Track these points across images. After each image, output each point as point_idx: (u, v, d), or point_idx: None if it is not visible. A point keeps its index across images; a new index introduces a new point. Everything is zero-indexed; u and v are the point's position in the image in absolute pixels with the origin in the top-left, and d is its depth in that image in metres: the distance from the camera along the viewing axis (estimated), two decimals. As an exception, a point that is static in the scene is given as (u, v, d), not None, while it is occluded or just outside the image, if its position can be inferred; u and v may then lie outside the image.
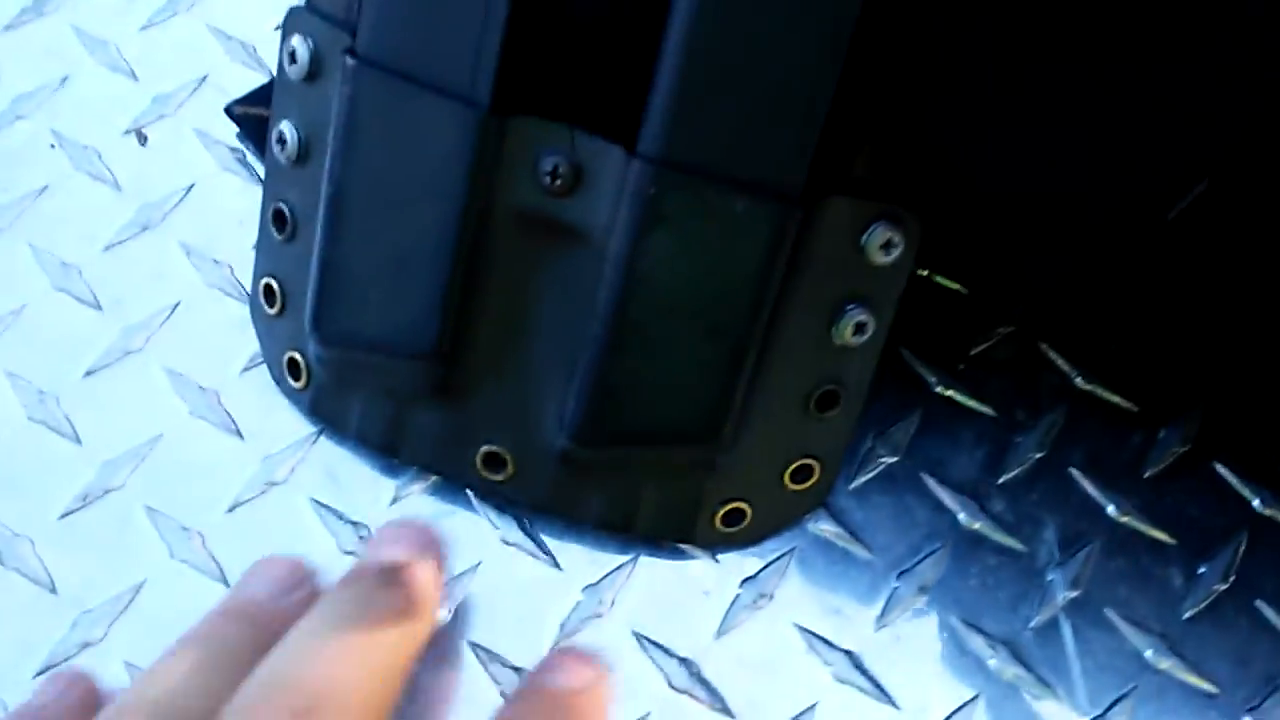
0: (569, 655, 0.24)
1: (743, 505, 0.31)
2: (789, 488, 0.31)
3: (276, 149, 0.30)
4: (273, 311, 0.32)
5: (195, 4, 0.39)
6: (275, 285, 0.31)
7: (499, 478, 0.30)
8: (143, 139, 0.36)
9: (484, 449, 0.30)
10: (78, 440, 0.32)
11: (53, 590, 0.30)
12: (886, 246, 0.27)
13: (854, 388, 0.30)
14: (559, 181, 0.26)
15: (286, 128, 0.29)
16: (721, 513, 0.31)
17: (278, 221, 0.31)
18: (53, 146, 0.36)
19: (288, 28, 0.29)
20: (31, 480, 0.31)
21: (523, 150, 0.26)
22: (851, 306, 0.28)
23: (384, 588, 0.22)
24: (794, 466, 0.30)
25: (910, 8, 0.26)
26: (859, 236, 0.27)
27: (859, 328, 0.28)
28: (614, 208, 0.26)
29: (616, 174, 0.26)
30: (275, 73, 0.30)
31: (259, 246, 0.32)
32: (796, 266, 0.27)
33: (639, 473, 0.30)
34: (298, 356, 0.31)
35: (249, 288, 0.34)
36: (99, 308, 0.34)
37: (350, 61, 0.26)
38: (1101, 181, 0.29)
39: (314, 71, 0.28)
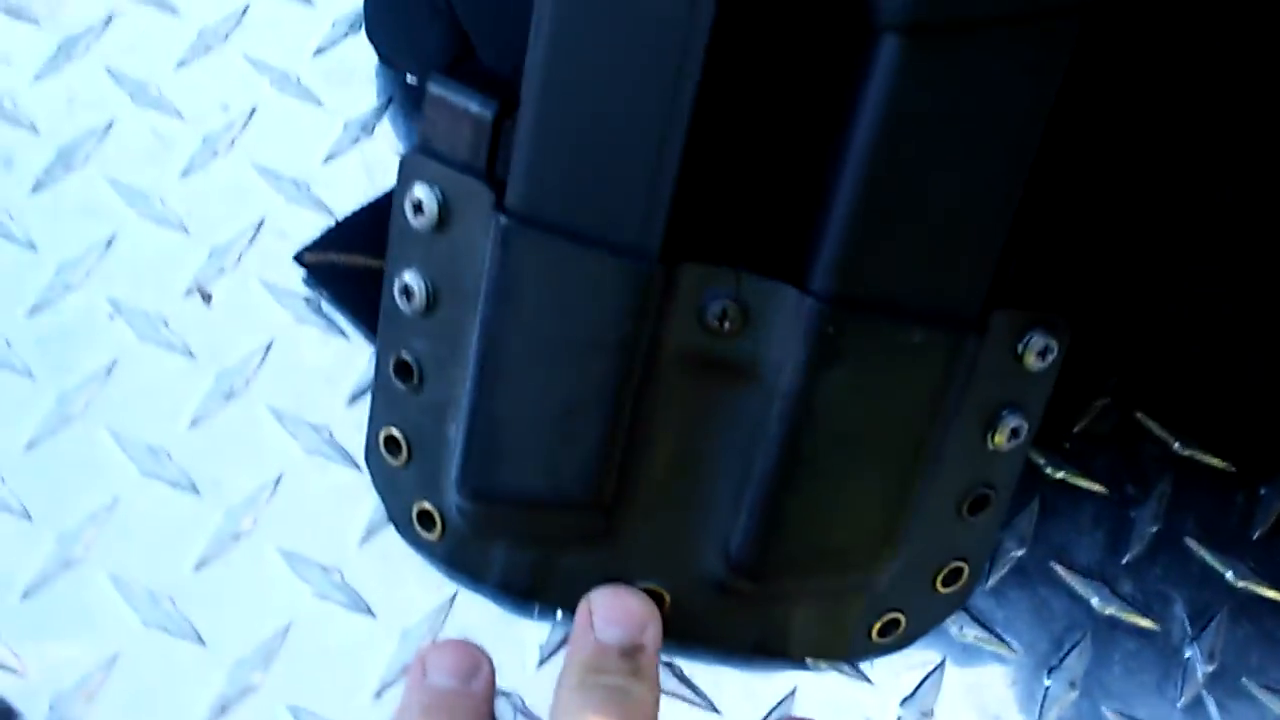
0: None
1: (898, 615, 0.31)
2: (939, 592, 0.31)
3: (401, 300, 0.29)
4: (397, 463, 0.31)
5: (234, 142, 0.37)
6: (400, 436, 0.30)
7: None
8: (207, 298, 0.35)
9: (640, 586, 0.30)
10: (200, 641, 0.30)
11: None
12: (1043, 353, 0.27)
13: (1003, 490, 0.30)
14: (727, 324, 0.26)
15: (412, 278, 0.28)
16: (878, 626, 0.31)
17: (401, 372, 0.29)
18: (111, 317, 0.34)
19: (406, 174, 0.27)
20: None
21: (689, 295, 0.26)
22: (1006, 412, 0.28)
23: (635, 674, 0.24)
24: (946, 571, 0.31)
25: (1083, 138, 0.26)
26: (1017, 345, 0.27)
27: (1014, 433, 0.29)
28: (785, 345, 0.26)
29: (788, 313, 0.25)
30: (392, 219, 0.28)
31: (377, 397, 0.31)
32: (959, 382, 0.27)
33: (799, 598, 0.30)
34: (429, 508, 0.30)
35: (354, 445, 0.33)
36: (196, 492, 0.32)
37: (504, 220, 0.25)
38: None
39: (443, 220, 0.27)
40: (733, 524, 0.28)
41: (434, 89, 0.28)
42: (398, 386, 0.30)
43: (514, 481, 0.28)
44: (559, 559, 0.30)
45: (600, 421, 0.27)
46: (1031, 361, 0.28)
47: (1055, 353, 0.28)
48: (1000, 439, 0.29)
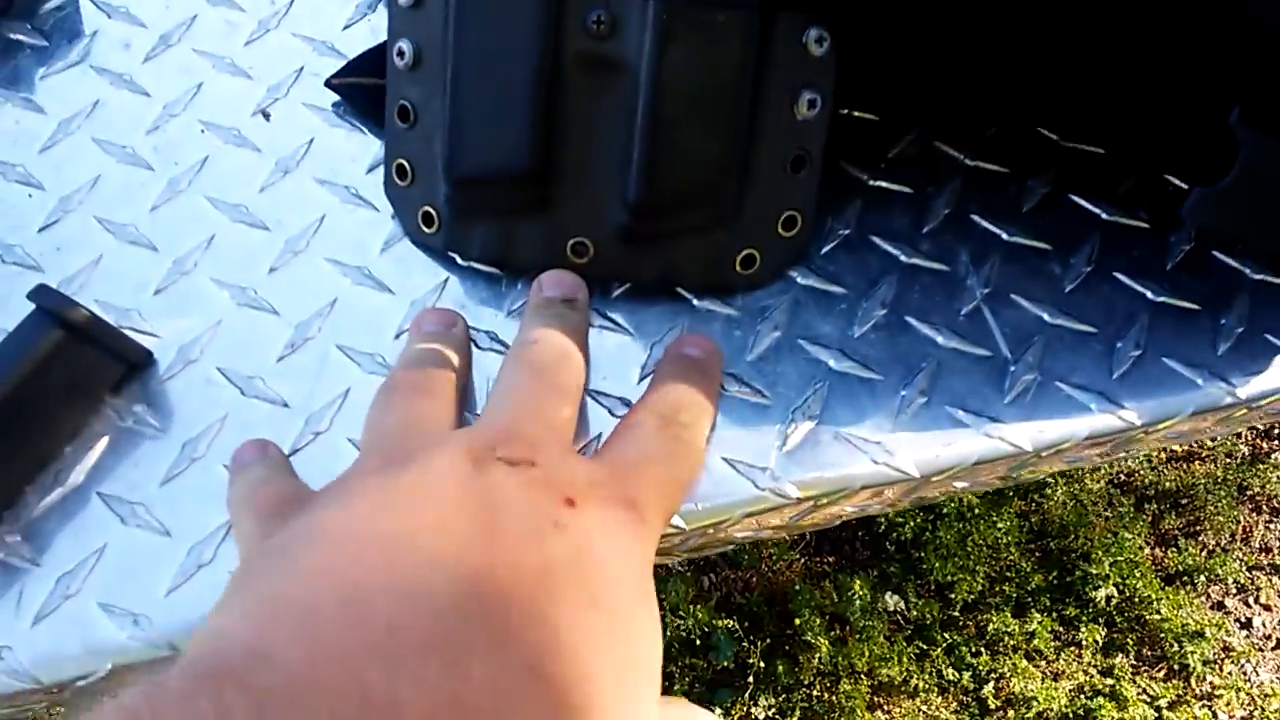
0: (694, 336, 0.40)
1: (754, 251, 0.44)
2: (782, 235, 0.44)
3: (396, 60, 0.43)
4: (404, 184, 0.45)
5: (280, 23, 0.52)
6: (405, 163, 0.45)
7: (583, 261, 0.44)
8: (267, 116, 0.50)
9: (571, 241, 0.43)
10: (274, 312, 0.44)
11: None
12: (819, 41, 0.41)
13: (816, 153, 0.44)
14: (601, 27, 0.40)
15: (404, 44, 0.43)
16: (740, 258, 0.44)
17: (402, 115, 0.44)
18: (202, 132, 0.49)
19: None
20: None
21: (576, 10, 0.40)
22: (804, 89, 0.42)
23: (571, 309, 0.38)
24: (784, 217, 0.44)
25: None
26: (800, 36, 0.41)
27: (811, 104, 0.42)
28: (640, 39, 0.40)
29: (638, 14, 0.40)
30: (387, 8, 0.43)
31: (387, 137, 0.45)
32: (763, 62, 0.41)
33: (679, 234, 0.44)
34: (429, 210, 0.45)
35: (372, 196, 0.47)
36: (268, 229, 0.47)
37: None
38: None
39: (419, 1, 0.42)
40: (625, 180, 0.42)
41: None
42: (400, 127, 0.45)
43: (479, 163, 0.42)
44: (516, 229, 0.44)
45: (529, 111, 0.41)
46: (813, 49, 0.42)
47: (829, 40, 0.42)
48: (802, 109, 0.43)
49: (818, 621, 1.51)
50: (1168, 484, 1.69)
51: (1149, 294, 0.46)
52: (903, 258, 0.46)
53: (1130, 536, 1.63)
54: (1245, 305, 0.45)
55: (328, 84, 0.50)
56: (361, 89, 0.49)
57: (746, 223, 0.44)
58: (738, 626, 1.48)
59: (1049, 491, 1.67)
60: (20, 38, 0.52)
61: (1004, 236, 0.47)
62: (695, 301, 0.45)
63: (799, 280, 0.46)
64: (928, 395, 0.43)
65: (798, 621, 1.50)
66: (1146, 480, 1.72)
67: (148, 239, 0.46)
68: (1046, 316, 0.45)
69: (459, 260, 0.45)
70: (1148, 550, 1.66)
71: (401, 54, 0.43)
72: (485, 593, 0.26)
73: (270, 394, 0.43)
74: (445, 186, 0.43)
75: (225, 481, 0.40)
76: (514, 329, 0.44)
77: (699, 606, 1.48)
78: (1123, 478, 1.71)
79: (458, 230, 0.45)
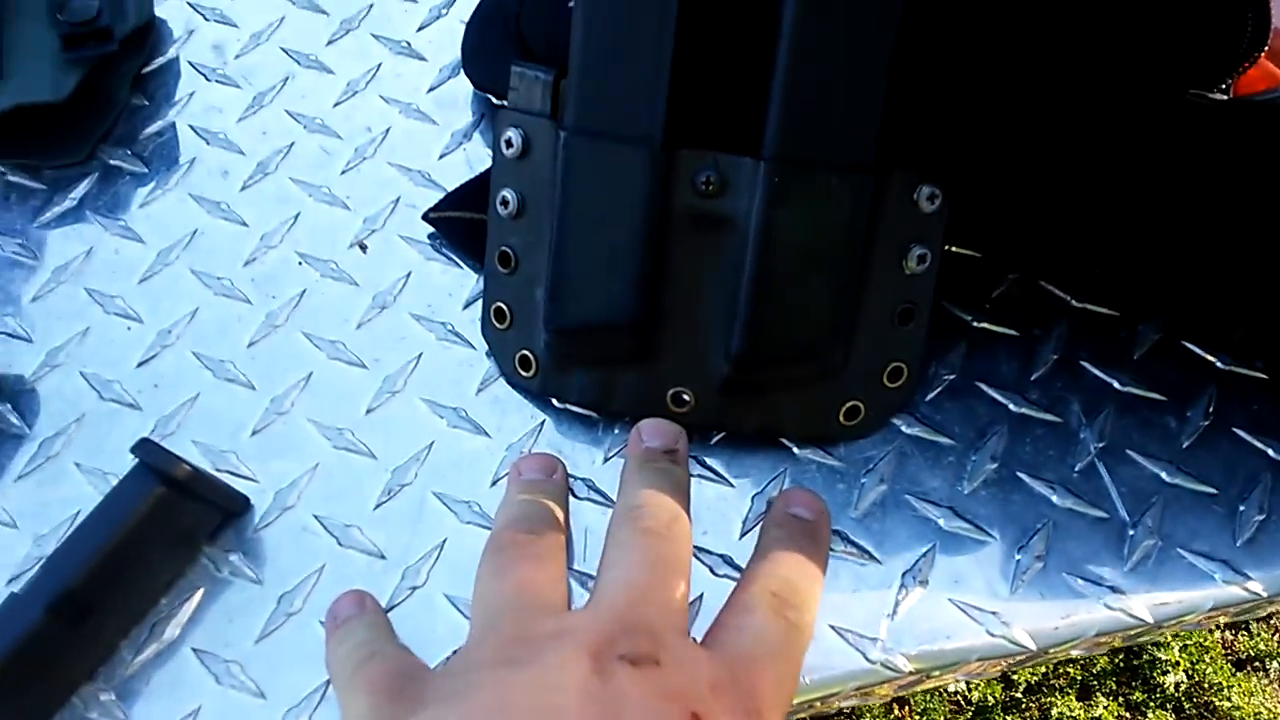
0: (802, 492, 0.39)
1: (858, 404, 0.43)
2: (888, 386, 0.43)
3: (500, 209, 0.43)
4: (503, 327, 0.45)
5: (376, 151, 0.52)
6: (504, 307, 0.44)
7: (683, 410, 0.43)
8: (364, 248, 0.50)
9: (671, 391, 0.42)
10: (372, 456, 0.44)
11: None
12: (931, 198, 0.41)
13: (923, 305, 0.43)
14: (710, 187, 0.40)
15: (508, 193, 0.43)
16: (843, 410, 0.43)
17: (503, 261, 0.44)
18: (299, 264, 0.49)
19: (500, 123, 0.42)
20: None
21: (685, 170, 0.40)
22: (913, 245, 0.41)
23: (673, 462, 0.37)
24: (890, 369, 0.43)
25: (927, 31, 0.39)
26: (912, 194, 0.41)
27: (921, 259, 0.42)
28: (750, 198, 0.39)
29: (749, 175, 0.39)
30: (492, 157, 0.43)
31: (487, 282, 0.45)
32: (875, 221, 0.40)
33: (783, 388, 0.43)
34: (527, 354, 0.44)
35: (469, 334, 0.47)
36: (365, 367, 0.46)
37: (563, 134, 0.40)
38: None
39: (525, 151, 0.42)
40: (730, 332, 0.41)
41: (516, 68, 0.43)
42: (500, 271, 0.45)
43: (580, 313, 0.42)
44: (616, 376, 0.43)
45: (635, 264, 0.41)
46: (924, 205, 0.41)
47: (940, 199, 0.41)
48: (911, 264, 0.42)
49: (878, 704, 1.47)
50: (1238, 565, 1.64)
51: (1271, 452, 0.44)
52: (1012, 407, 0.45)
53: (1200, 619, 1.58)
54: (1374, 466, 0.43)
55: (425, 218, 0.50)
56: (459, 223, 0.49)
57: (852, 376, 0.43)
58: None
59: (1114, 569, 1.63)
60: (120, 164, 0.52)
61: (1116, 386, 0.46)
62: (796, 450, 0.44)
63: (904, 429, 0.45)
64: (1044, 560, 0.41)
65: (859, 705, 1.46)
66: (1216, 560, 1.67)
67: (245, 377, 0.46)
68: (1165, 475, 0.43)
69: (555, 403, 0.45)
70: (1218, 634, 1.60)
71: (505, 203, 0.43)
72: None
73: (367, 545, 0.42)
74: (545, 334, 0.43)
75: (321, 639, 0.40)
76: (611, 476, 0.43)
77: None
78: (1191, 557, 1.66)
79: (555, 376, 0.44)
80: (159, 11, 0.56)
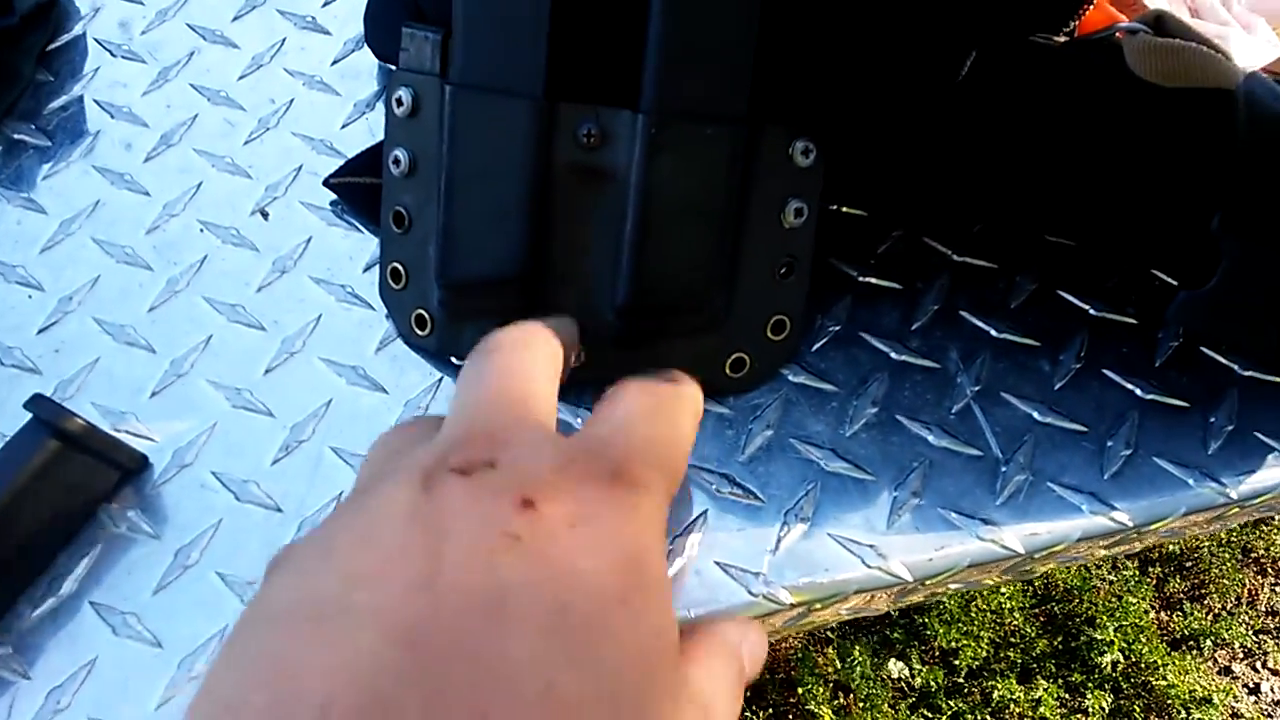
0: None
1: (743, 355, 0.45)
2: (771, 339, 0.45)
3: (392, 167, 0.44)
4: (399, 287, 0.46)
5: (280, 122, 0.53)
6: (400, 267, 0.45)
7: (576, 365, 0.44)
8: (265, 215, 0.50)
9: (561, 345, 0.44)
10: (272, 414, 0.45)
11: (285, 503, 0.43)
12: (805, 153, 0.42)
13: (803, 259, 0.44)
14: (591, 139, 0.41)
15: (400, 152, 0.44)
16: (729, 362, 0.45)
17: (397, 220, 0.45)
18: (201, 231, 0.50)
19: (392, 83, 0.43)
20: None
21: (567, 123, 0.41)
22: (790, 199, 0.43)
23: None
24: (772, 321, 0.45)
25: None
26: (787, 148, 0.42)
27: (798, 212, 0.43)
28: (629, 150, 0.40)
29: (627, 127, 0.40)
30: (384, 117, 0.44)
31: (383, 242, 0.46)
32: (751, 173, 0.42)
33: (668, 338, 0.44)
34: (423, 312, 0.45)
35: (368, 295, 0.48)
36: (264, 329, 0.47)
37: (449, 88, 0.41)
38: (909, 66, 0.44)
39: (415, 109, 0.43)
40: (615, 282, 0.43)
41: (406, 29, 0.44)
42: (395, 231, 0.46)
43: (470, 268, 0.43)
44: (506, 331, 0.45)
45: (521, 217, 0.42)
46: (800, 160, 0.43)
47: (814, 153, 0.43)
48: (790, 218, 0.44)
49: (820, 690, 1.49)
50: (1171, 547, 1.68)
51: (1138, 391, 0.46)
52: (893, 355, 0.47)
53: (1135, 601, 1.62)
54: (1234, 402, 0.45)
55: (326, 183, 0.50)
56: (359, 188, 0.50)
57: (735, 327, 0.44)
58: (739, 695, 1.47)
59: (1052, 554, 1.66)
60: (24, 138, 0.53)
61: (993, 333, 0.47)
62: (687, 401, 0.45)
63: (790, 378, 0.46)
64: (920, 496, 0.43)
65: (800, 690, 1.48)
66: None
67: (145, 340, 0.46)
68: (1037, 415, 0.45)
69: (454, 360, 0.46)
70: (1153, 614, 1.64)
71: (397, 161, 0.44)
72: (424, 644, 0.23)
73: (263, 499, 0.43)
74: (438, 290, 0.44)
75: (217, 590, 0.40)
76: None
77: (700, 675, 1.46)
78: (1126, 540, 1.69)
79: (450, 333, 0.45)
80: (64, -10, 0.57)
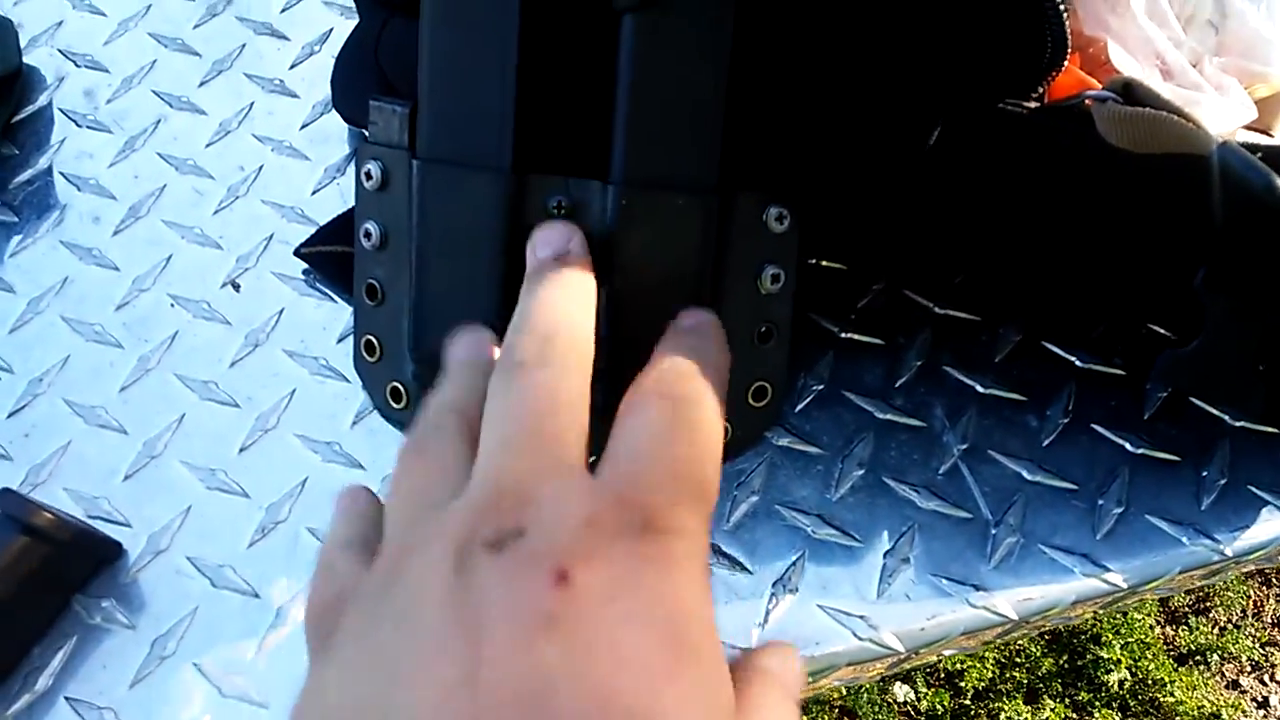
0: (689, 310, 0.37)
1: (726, 425, 0.44)
2: (752, 405, 0.44)
3: (364, 241, 0.43)
4: (373, 360, 0.45)
5: (250, 189, 0.53)
6: (374, 340, 0.44)
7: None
8: (237, 287, 0.50)
9: (541, 421, 0.43)
10: (246, 495, 0.44)
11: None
12: (780, 219, 0.42)
13: (782, 324, 0.43)
14: (562, 211, 0.40)
15: (371, 225, 0.43)
16: (710, 433, 0.44)
17: (370, 293, 0.44)
18: (172, 306, 0.49)
19: (361, 157, 0.43)
20: None
21: (537, 195, 0.40)
22: (767, 265, 0.42)
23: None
24: (753, 388, 0.44)
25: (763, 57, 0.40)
26: (761, 215, 0.41)
27: (775, 278, 0.42)
28: (601, 220, 0.40)
29: (599, 198, 0.40)
30: (355, 190, 0.44)
31: (356, 315, 0.45)
32: (725, 241, 0.41)
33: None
34: (398, 386, 0.44)
35: (343, 367, 0.47)
36: (238, 406, 0.46)
37: (416, 163, 0.40)
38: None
39: (385, 182, 0.42)
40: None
41: (374, 103, 0.44)
42: (368, 304, 0.45)
43: (443, 340, 0.42)
44: (482, 405, 0.44)
45: (493, 290, 0.41)
46: (774, 226, 0.42)
47: (789, 218, 0.42)
48: (766, 284, 0.43)
49: (826, 716, 1.48)
50: (1174, 560, 1.67)
51: (1128, 446, 0.45)
52: (877, 414, 0.46)
53: (1140, 616, 1.61)
54: (1227, 454, 0.45)
55: (297, 253, 0.50)
56: (331, 257, 0.50)
57: None
58: (742, 725, 1.45)
59: (1054, 571, 1.65)
60: (-9, 214, 0.52)
61: (978, 388, 0.47)
62: (670, 469, 0.44)
63: (774, 441, 0.45)
64: (910, 563, 0.42)
65: (806, 717, 1.47)
66: (1152, 556, 1.70)
67: (117, 422, 0.46)
68: (1026, 473, 0.44)
69: (430, 434, 0.45)
70: (1159, 630, 1.63)
71: (369, 234, 0.44)
72: None
73: (239, 584, 0.42)
74: (411, 364, 0.43)
75: (194, 681, 0.40)
76: (487, 504, 0.43)
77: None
78: (1128, 555, 1.68)
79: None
80: (29, 59, 0.56)
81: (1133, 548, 0.43)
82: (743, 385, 0.44)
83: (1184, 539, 0.43)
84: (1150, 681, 1.56)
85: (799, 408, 0.46)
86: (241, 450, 0.45)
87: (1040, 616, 0.42)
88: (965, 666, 1.54)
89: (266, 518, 0.43)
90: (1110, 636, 1.58)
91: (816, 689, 0.42)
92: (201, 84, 0.56)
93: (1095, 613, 0.44)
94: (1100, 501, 0.44)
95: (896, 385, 0.47)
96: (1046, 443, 0.45)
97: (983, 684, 1.55)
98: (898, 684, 1.56)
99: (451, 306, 0.42)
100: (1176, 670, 1.57)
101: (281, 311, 0.49)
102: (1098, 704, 1.55)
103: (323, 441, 0.45)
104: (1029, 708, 1.54)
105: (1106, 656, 1.56)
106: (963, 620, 0.41)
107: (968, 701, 1.55)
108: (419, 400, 0.44)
